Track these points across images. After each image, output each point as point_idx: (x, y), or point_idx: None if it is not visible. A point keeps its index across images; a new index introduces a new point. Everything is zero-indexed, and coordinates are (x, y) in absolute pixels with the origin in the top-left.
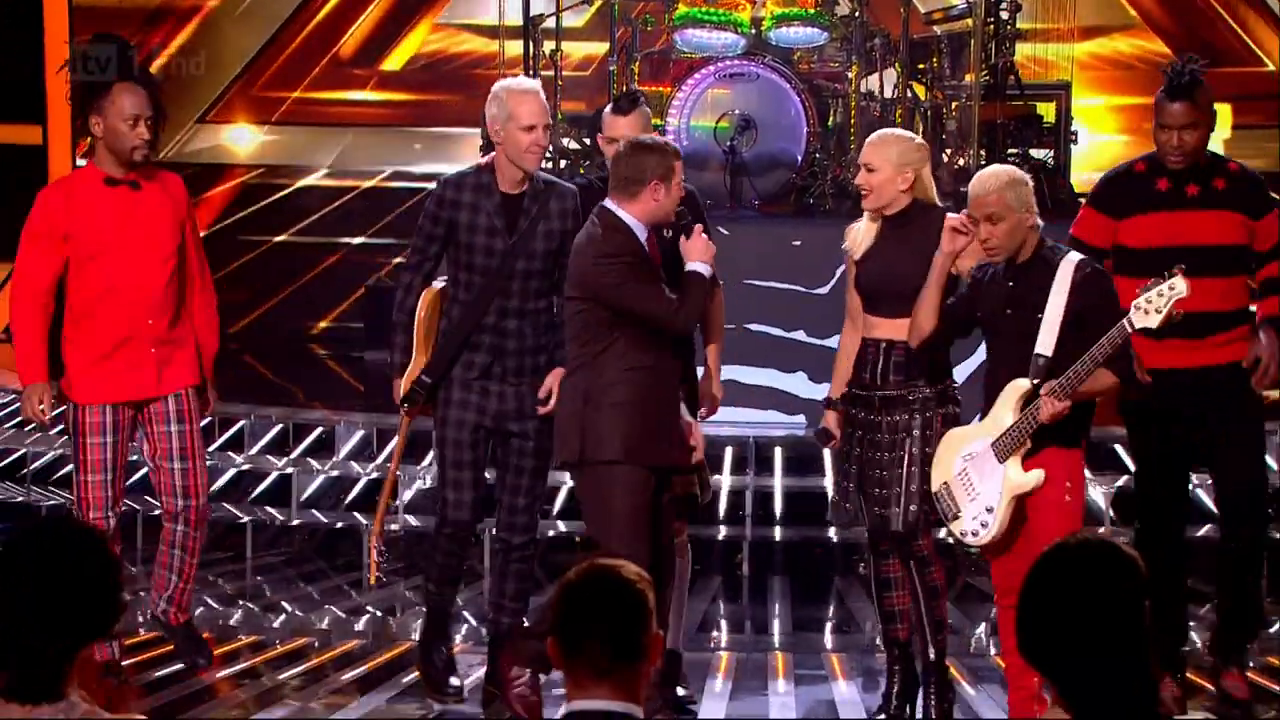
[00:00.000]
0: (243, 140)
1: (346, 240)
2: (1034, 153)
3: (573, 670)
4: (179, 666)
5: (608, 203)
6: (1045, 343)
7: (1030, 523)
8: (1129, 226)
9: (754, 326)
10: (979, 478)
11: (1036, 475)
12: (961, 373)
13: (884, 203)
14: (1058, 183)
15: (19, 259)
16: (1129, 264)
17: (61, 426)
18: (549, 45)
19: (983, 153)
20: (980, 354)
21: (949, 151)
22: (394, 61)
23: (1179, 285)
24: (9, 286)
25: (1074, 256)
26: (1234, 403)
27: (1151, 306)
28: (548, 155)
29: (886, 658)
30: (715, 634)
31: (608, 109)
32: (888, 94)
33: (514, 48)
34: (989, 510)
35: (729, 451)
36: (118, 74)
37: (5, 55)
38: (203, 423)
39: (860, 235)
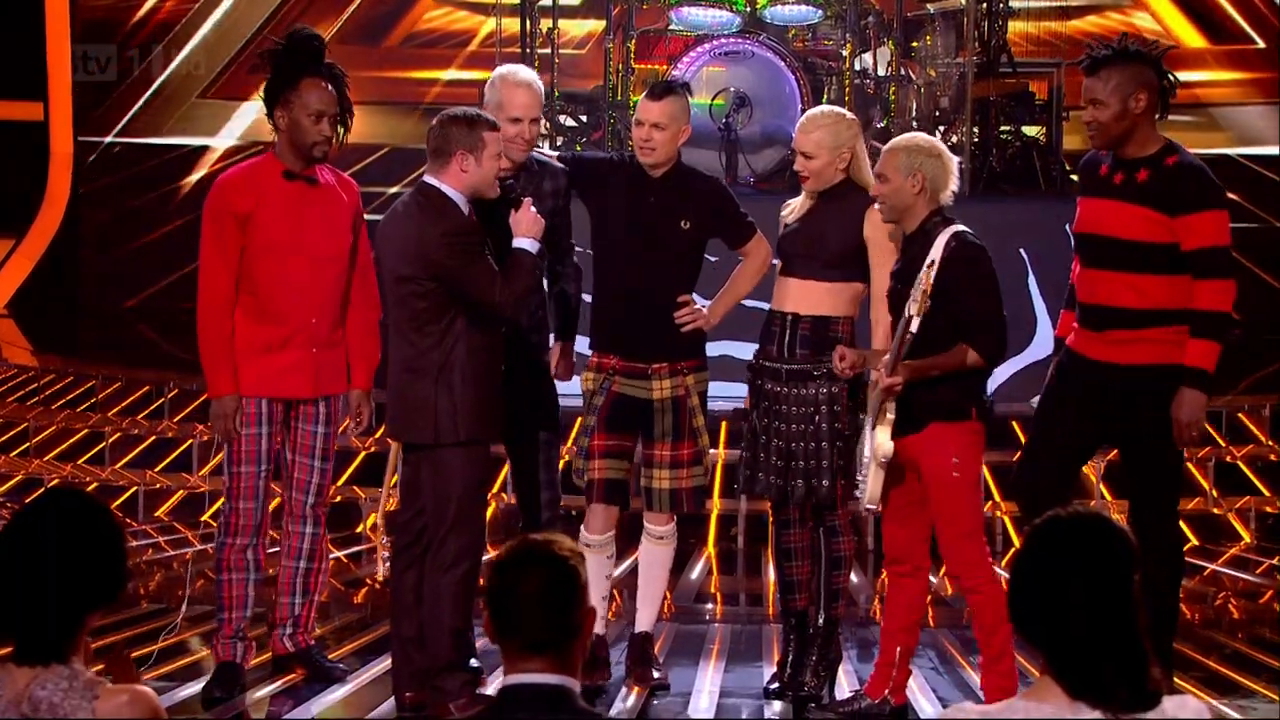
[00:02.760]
0: (245, 116)
1: None
2: (1026, 130)
3: (507, 645)
4: (179, 639)
5: (427, 177)
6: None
7: (928, 497)
8: (1080, 209)
9: (748, 302)
10: (866, 444)
11: (887, 446)
12: None
13: (824, 185)
14: (1049, 160)
15: (202, 252)
16: (1077, 249)
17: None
18: (546, 23)
19: (975, 130)
20: None
21: (942, 129)
22: (392, 37)
23: (923, 277)
24: (198, 284)
25: (953, 228)
26: (1137, 413)
27: (914, 295)
28: (543, 132)
29: (783, 627)
30: (710, 606)
31: (643, 95)
32: (881, 71)
33: (511, 25)
34: (864, 477)
35: (723, 425)
36: (305, 69)
37: (7, 32)
38: (357, 430)
39: (796, 205)
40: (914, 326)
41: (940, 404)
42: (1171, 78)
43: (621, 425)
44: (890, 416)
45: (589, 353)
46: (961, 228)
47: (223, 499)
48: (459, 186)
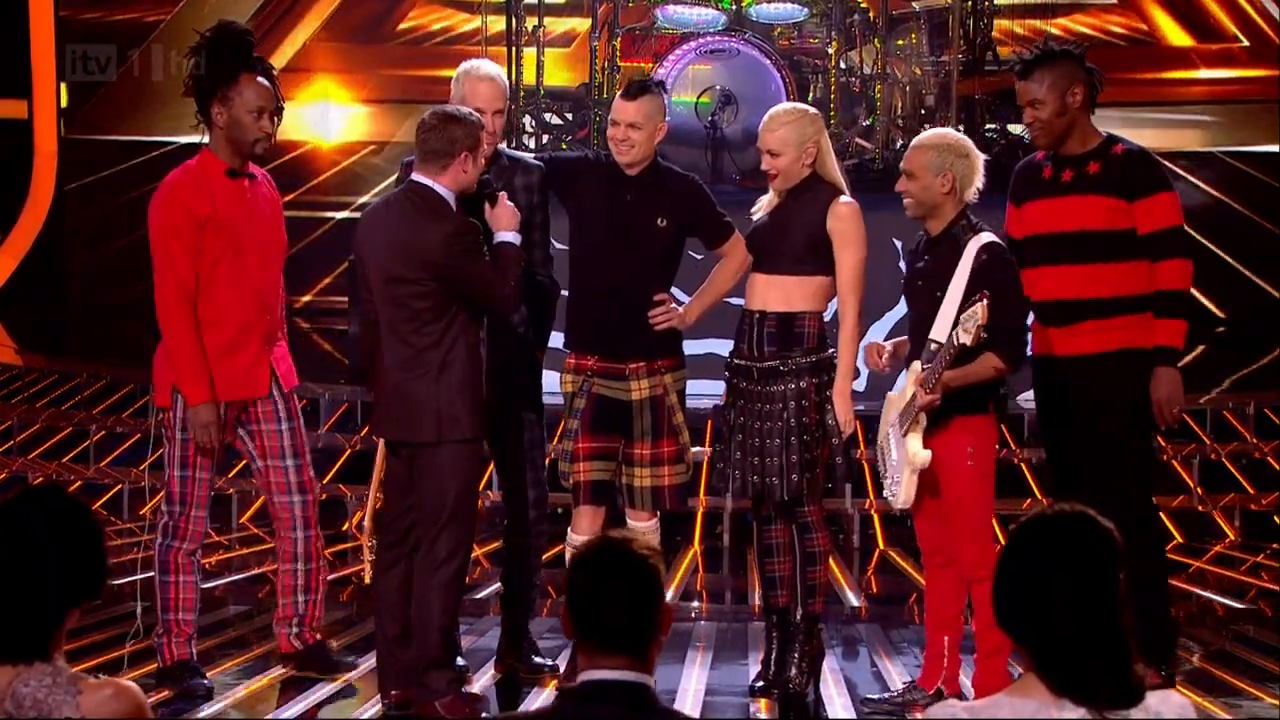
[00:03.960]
0: None
1: (330, 215)
2: (1011, 128)
3: (586, 643)
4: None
5: (419, 177)
6: (939, 329)
7: (941, 488)
8: (1025, 214)
9: (733, 300)
10: (895, 447)
11: (925, 455)
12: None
13: (792, 182)
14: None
15: (161, 261)
16: (1025, 252)
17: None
18: (531, 20)
19: (960, 128)
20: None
21: (926, 126)
22: (377, 36)
23: (978, 311)
24: (158, 293)
25: (982, 239)
26: (1104, 397)
27: (966, 325)
28: (529, 130)
29: (765, 624)
30: (695, 604)
31: (618, 94)
32: (866, 69)
33: (497, 23)
34: (896, 480)
35: (708, 423)
36: (242, 64)
37: None
38: None
39: (764, 203)
40: (960, 339)
41: (960, 397)
42: (1097, 72)
43: (605, 427)
44: (923, 423)
45: (564, 351)
46: (990, 237)
47: (164, 502)
48: (454, 186)
